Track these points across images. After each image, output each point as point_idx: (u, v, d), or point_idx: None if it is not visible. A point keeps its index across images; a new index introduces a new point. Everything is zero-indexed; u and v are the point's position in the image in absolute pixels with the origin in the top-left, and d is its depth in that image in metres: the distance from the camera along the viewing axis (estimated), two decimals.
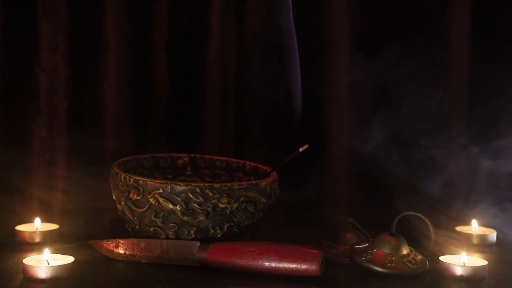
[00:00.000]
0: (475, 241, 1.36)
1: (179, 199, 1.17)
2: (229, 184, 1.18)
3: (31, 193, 1.56)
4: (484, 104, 1.58)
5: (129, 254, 1.19)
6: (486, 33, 1.59)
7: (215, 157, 1.41)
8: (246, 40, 1.59)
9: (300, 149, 1.29)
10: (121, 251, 1.20)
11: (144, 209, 1.19)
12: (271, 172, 1.29)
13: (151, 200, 1.18)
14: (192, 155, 1.41)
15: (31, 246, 1.28)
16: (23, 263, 1.10)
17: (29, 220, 1.34)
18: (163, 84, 1.59)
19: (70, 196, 1.57)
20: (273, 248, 1.12)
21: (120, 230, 1.28)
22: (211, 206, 1.17)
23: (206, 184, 1.18)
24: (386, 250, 1.16)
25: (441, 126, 1.60)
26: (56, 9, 1.54)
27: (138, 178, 1.20)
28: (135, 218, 1.21)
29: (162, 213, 1.18)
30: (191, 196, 1.17)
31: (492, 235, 1.37)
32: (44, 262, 1.11)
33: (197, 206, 1.17)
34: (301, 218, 1.62)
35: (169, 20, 1.58)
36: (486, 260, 1.18)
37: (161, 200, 1.17)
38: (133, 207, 1.20)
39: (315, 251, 1.11)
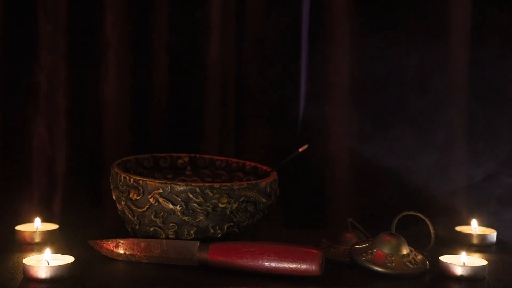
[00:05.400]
0: (475, 241, 1.36)
1: (179, 199, 1.17)
2: (229, 184, 1.18)
3: (31, 193, 1.57)
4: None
5: (129, 254, 1.19)
6: None
7: (215, 157, 1.41)
8: (246, 40, 1.60)
9: (300, 149, 1.29)
10: (121, 251, 1.20)
11: (144, 209, 1.19)
12: (271, 172, 1.29)
13: (151, 200, 1.18)
14: (192, 155, 1.41)
15: (31, 246, 1.28)
16: (23, 263, 1.10)
17: (29, 220, 1.34)
18: (163, 84, 1.59)
19: (70, 196, 1.57)
20: (273, 248, 1.12)
21: (120, 230, 1.28)
22: (211, 206, 1.17)
23: (206, 184, 1.18)
24: (386, 250, 1.16)
25: (441, 126, 1.61)
26: (56, 9, 1.55)
27: (138, 178, 1.20)
28: (135, 218, 1.21)
29: (162, 213, 1.18)
30: (191, 196, 1.17)
31: (492, 235, 1.37)
32: (44, 262, 1.11)
33: (197, 206, 1.17)
34: (301, 218, 1.62)
35: (169, 20, 1.58)
36: (486, 260, 1.18)
37: (161, 200, 1.17)
38: (133, 207, 1.20)
39: (315, 251, 1.11)
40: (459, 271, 1.14)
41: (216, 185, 1.18)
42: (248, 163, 1.38)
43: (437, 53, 1.58)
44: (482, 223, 1.40)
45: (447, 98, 1.59)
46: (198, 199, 1.17)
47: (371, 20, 1.58)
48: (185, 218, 1.18)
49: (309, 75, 1.60)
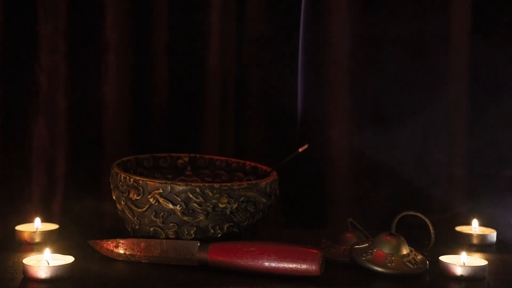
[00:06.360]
0: (475, 241, 1.36)
1: (179, 199, 1.17)
2: (229, 184, 1.18)
3: (31, 193, 1.57)
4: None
5: (129, 254, 1.19)
6: None
7: (215, 157, 1.41)
8: (246, 40, 1.60)
9: (300, 149, 1.29)
10: (121, 251, 1.20)
11: (144, 209, 1.19)
12: (271, 172, 1.29)
13: (151, 200, 1.18)
14: (192, 155, 1.41)
15: (31, 246, 1.28)
16: (23, 263, 1.10)
17: (29, 220, 1.34)
18: (163, 84, 1.59)
19: (70, 196, 1.57)
20: (273, 248, 1.12)
21: (120, 230, 1.28)
22: (211, 206, 1.17)
23: (206, 184, 1.18)
24: (386, 250, 1.16)
25: (442, 127, 1.61)
26: (56, 9, 1.55)
27: (138, 178, 1.20)
28: (135, 218, 1.21)
29: (162, 213, 1.18)
30: (191, 196, 1.17)
31: (492, 235, 1.37)
32: (44, 262, 1.11)
33: (197, 206, 1.17)
34: (301, 218, 1.62)
35: (169, 20, 1.58)
36: (486, 260, 1.18)
37: (161, 200, 1.17)
38: (133, 207, 1.20)
39: (315, 251, 1.11)
40: (459, 271, 1.14)
41: (216, 185, 1.18)
42: (248, 163, 1.38)
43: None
44: (482, 223, 1.40)
45: (448, 97, 1.59)
46: (198, 199, 1.17)
47: (371, 20, 1.58)
48: (185, 218, 1.18)
49: (309, 75, 1.60)
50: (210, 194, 1.17)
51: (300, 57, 1.60)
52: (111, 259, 1.20)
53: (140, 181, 1.19)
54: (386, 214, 1.29)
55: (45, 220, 1.35)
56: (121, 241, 1.20)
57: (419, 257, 1.18)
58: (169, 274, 1.14)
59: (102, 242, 1.22)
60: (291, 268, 1.11)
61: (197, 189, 1.17)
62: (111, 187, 1.26)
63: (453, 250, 1.27)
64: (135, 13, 1.57)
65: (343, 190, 1.60)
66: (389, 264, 1.14)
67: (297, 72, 1.60)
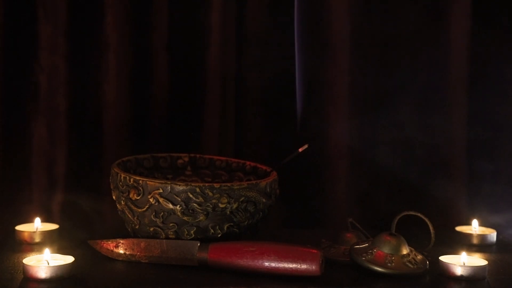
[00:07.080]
0: (475, 241, 1.36)
1: (179, 199, 1.17)
2: (229, 184, 1.18)
3: (31, 193, 1.57)
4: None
5: (129, 254, 1.19)
6: None
7: (215, 157, 1.41)
8: (246, 40, 1.60)
9: (300, 149, 1.29)
10: (121, 251, 1.20)
11: (144, 209, 1.19)
12: (271, 172, 1.29)
13: (151, 200, 1.18)
14: (192, 155, 1.41)
15: (31, 246, 1.28)
16: (23, 263, 1.10)
17: (29, 220, 1.34)
18: (163, 84, 1.59)
19: (70, 196, 1.57)
20: (273, 248, 1.12)
21: (120, 230, 1.28)
22: (211, 206, 1.17)
23: (206, 184, 1.18)
24: (386, 250, 1.16)
25: (441, 127, 1.61)
26: (56, 9, 1.54)
27: (138, 178, 1.20)
28: (135, 218, 1.21)
29: (162, 213, 1.18)
30: (191, 196, 1.17)
31: (492, 235, 1.37)
32: (44, 262, 1.11)
33: (197, 206, 1.17)
34: (301, 218, 1.62)
35: (169, 20, 1.58)
36: (486, 260, 1.18)
37: (161, 200, 1.17)
38: (133, 207, 1.20)
39: (315, 251, 1.11)
40: (459, 271, 1.14)
41: (216, 185, 1.18)
42: (248, 163, 1.38)
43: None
44: (482, 223, 1.40)
45: (448, 99, 1.59)
46: (198, 199, 1.17)
47: (371, 19, 1.58)
48: (185, 218, 1.18)
49: (309, 75, 1.60)
50: (210, 194, 1.17)
51: (300, 57, 1.60)
52: (111, 259, 1.20)
53: (140, 181, 1.19)
54: (386, 214, 1.29)
55: (45, 220, 1.35)
56: (121, 241, 1.20)
57: (419, 257, 1.18)
58: (169, 274, 1.14)
59: (102, 242, 1.22)
60: (291, 268, 1.11)
61: (197, 189, 1.17)
62: (111, 187, 1.26)
63: (453, 250, 1.27)
64: (135, 13, 1.57)
65: (343, 190, 1.60)
66: (389, 264, 1.14)
67: (297, 72, 1.60)
